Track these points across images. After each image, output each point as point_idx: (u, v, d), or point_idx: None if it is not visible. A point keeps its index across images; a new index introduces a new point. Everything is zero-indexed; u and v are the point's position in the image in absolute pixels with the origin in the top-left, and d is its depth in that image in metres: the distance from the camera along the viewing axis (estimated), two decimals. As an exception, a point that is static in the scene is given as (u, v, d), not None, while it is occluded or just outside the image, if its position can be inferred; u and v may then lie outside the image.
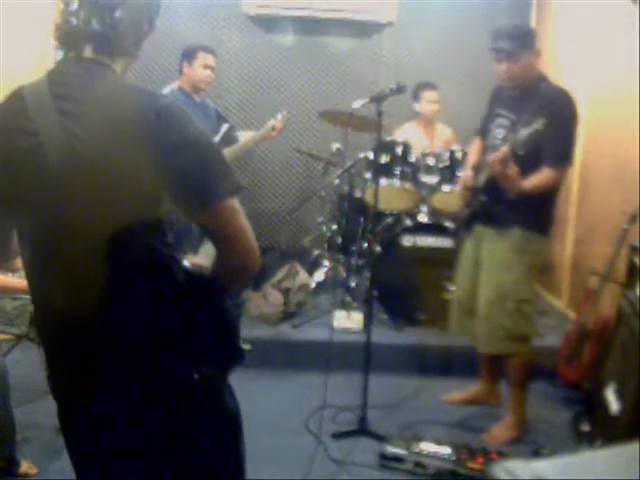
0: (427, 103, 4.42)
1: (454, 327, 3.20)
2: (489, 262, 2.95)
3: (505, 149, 2.66)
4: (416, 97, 4.43)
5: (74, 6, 1.29)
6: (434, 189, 3.98)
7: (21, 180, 1.28)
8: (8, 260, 1.49)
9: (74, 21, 1.29)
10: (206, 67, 3.87)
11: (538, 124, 2.53)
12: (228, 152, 4.05)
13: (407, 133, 4.37)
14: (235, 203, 1.29)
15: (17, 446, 2.55)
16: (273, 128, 4.15)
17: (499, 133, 2.92)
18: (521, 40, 2.75)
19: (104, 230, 1.24)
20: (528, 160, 2.68)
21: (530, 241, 2.85)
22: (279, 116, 4.19)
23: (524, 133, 2.57)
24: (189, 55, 3.86)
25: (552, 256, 4.51)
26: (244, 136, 4.26)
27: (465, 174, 3.11)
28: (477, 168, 3.06)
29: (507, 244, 2.87)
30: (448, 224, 3.92)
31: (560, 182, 2.82)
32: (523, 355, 2.96)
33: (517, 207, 2.76)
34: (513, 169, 2.67)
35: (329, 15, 5.04)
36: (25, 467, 2.55)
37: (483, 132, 3.10)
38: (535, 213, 2.81)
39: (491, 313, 2.91)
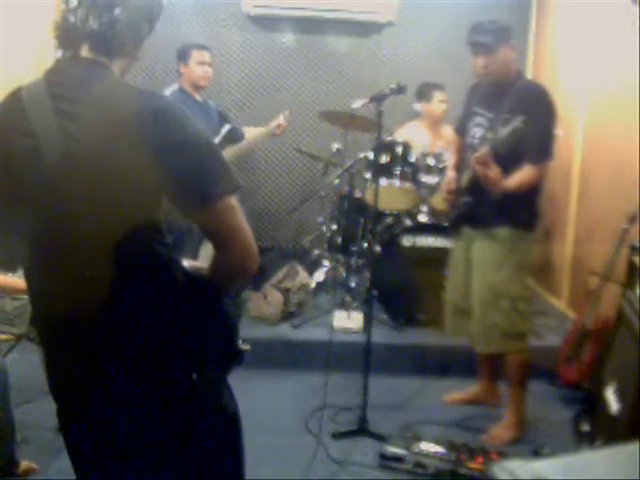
0: (438, 103, 4.42)
1: (450, 329, 3.21)
2: (480, 262, 2.95)
3: (485, 150, 2.67)
4: (426, 97, 4.43)
5: (73, 4, 1.28)
6: (434, 189, 3.97)
7: (19, 181, 1.28)
8: (14, 266, 1.48)
9: (72, 19, 1.28)
10: (202, 63, 3.87)
11: (517, 122, 2.55)
12: (233, 150, 4.07)
13: (409, 132, 4.37)
14: (233, 202, 1.29)
15: (17, 446, 2.55)
16: (278, 126, 4.18)
17: (477, 132, 2.92)
18: (496, 34, 2.77)
19: (102, 231, 1.24)
20: (509, 158, 2.69)
21: (519, 239, 2.86)
22: (281, 116, 4.21)
23: (504, 132, 2.59)
24: (183, 55, 3.88)
25: (552, 256, 4.52)
26: (250, 132, 4.27)
27: (448, 176, 3.12)
28: (459, 168, 3.07)
29: (496, 244, 2.87)
30: (448, 224, 3.91)
31: (542, 177, 2.82)
32: (521, 353, 2.96)
33: (502, 206, 2.76)
34: (494, 170, 2.68)
35: (329, 15, 5.04)
36: (25, 466, 2.55)
37: (461, 130, 3.10)
38: (521, 210, 2.83)
39: (486, 313, 2.91)
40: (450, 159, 3.25)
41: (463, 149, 3.07)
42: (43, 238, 1.29)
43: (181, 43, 4.04)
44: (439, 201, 3.93)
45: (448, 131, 4.45)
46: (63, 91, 1.26)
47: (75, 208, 1.24)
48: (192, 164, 1.25)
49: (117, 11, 1.28)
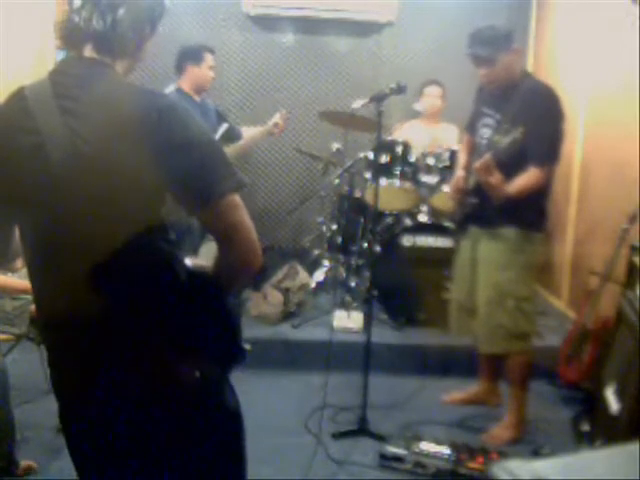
0: (428, 97, 4.41)
1: (454, 327, 3.21)
2: (486, 262, 2.95)
3: (488, 157, 2.67)
4: (420, 93, 4.43)
5: (77, 4, 1.29)
6: (434, 189, 3.97)
7: (23, 179, 1.28)
8: (10, 260, 1.49)
9: (76, 19, 1.29)
10: (211, 68, 3.89)
11: (516, 133, 2.55)
12: (231, 149, 4.07)
13: (409, 131, 4.36)
14: (237, 200, 1.29)
15: (17, 446, 2.55)
16: (276, 125, 4.17)
17: (485, 133, 2.92)
18: (496, 44, 2.74)
19: (106, 229, 1.24)
20: (514, 163, 2.68)
21: (526, 240, 2.85)
22: (278, 114, 4.21)
23: (504, 142, 2.60)
24: (195, 56, 3.85)
25: (552, 256, 4.52)
26: (248, 131, 4.28)
27: (457, 175, 3.11)
28: (468, 168, 3.07)
29: (503, 244, 2.87)
30: (448, 224, 3.91)
31: (548, 180, 2.81)
32: (523, 354, 2.96)
33: (510, 207, 2.75)
34: (497, 177, 2.67)
35: (329, 15, 5.05)
36: (25, 465, 2.55)
37: (471, 130, 3.10)
38: (529, 211, 2.81)
39: (491, 313, 2.91)
40: (459, 158, 3.24)
41: (473, 149, 3.07)
42: (46, 236, 1.29)
43: (190, 43, 4.03)
44: (439, 201, 3.94)
45: (449, 129, 4.44)
46: (67, 90, 1.27)
47: (80, 206, 1.24)
48: (196, 163, 1.26)
49: (120, 12, 1.29)
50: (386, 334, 3.80)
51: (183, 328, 1.31)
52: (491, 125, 2.89)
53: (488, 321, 2.93)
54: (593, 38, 4.07)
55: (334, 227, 4.45)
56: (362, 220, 4.33)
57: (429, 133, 4.35)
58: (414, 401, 3.39)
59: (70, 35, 1.31)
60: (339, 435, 2.97)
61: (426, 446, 2.77)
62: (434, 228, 3.96)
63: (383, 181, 3.86)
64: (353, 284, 4.22)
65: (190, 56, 3.87)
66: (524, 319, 2.91)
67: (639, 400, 2.42)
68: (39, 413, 2.87)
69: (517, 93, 2.79)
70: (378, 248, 3.96)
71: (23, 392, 2.94)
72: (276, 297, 4.02)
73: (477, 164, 2.71)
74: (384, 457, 2.76)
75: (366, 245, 4.24)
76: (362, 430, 2.99)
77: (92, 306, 1.25)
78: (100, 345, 1.29)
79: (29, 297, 2.89)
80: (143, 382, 1.30)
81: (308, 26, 5.12)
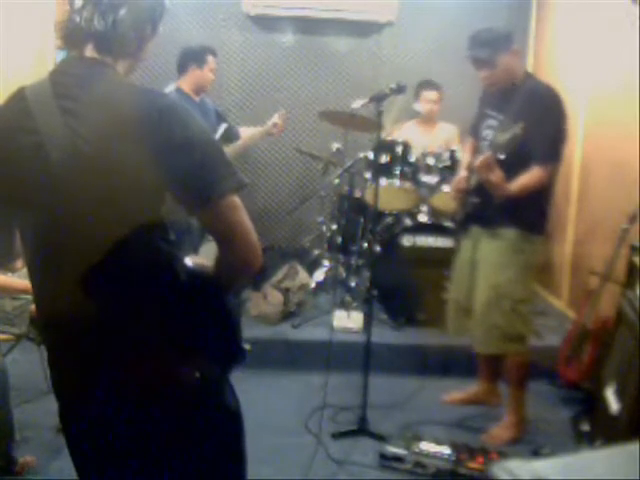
0: (425, 102, 4.41)
1: (451, 327, 3.21)
2: (485, 263, 2.95)
3: (488, 154, 2.67)
4: (417, 96, 4.43)
5: (78, 4, 1.29)
6: (434, 189, 3.97)
7: (23, 179, 1.28)
8: (12, 260, 1.49)
9: (77, 19, 1.29)
10: (212, 70, 3.90)
11: (517, 128, 2.55)
12: (230, 149, 4.07)
13: (406, 132, 4.36)
14: (236, 200, 1.29)
15: (16, 445, 2.55)
16: (274, 125, 4.17)
17: (488, 134, 2.92)
18: (496, 45, 2.74)
19: (106, 229, 1.24)
20: (516, 161, 2.68)
21: (526, 241, 2.85)
22: (276, 115, 4.21)
23: (503, 138, 2.59)
24: (198, 58, 3.85)
25: (552, 256, 4.52)
26: (246, 132, 4.28)
27: (459, 176, 3.11)
28: (471, 168, 3.07)
29: (503, 244, 2.87)
30: (448, 224, 3.91)
31: (550, 179, 2.80)
32: (520, 355, 2.96)
33: (511, 208, 2.75)
34: (498, 174, 2.67)
35: (329, 15, 5.05)
36: (22, 461, 2.55)
37: (475, 132, 3.11)
38: (529, 212, 2.81)
39: (488, 313, 2.91)
40: (463, 159, 3.24)
41: (476, 150, 3.08)
42: (46, 236, 1.29)
43: (192, 43, 4.02)
44: (439, 201, 3.94)
45: (447, 129, 4.44)
46: (68, 90, 1.27)
47: (80, 206, 1.24)
48: (196, 163, 1.26)
49: (121, 12, 1.29)
50: (386, 334, 3.80)
51: (183, 328, 1.31)
52: (494, 126, 2.89)
53: (485, 322, 2.93)
54: (593, 38, 4.07)
55: (334, 227, 4.45)
56: (362, 220, 4.33)
57: (426, 137, 4.35)
58: (414, 401, 3.39)
59: (71, 35, 1.31)
60: (339, 435, 2.97)
61: (426, 446, 2.77)
62: (434, 228, 3.96)
63: (383, 181, 3.86)
64: (353, 284, 4.22)
65: (193, 58, 3.86)
66: (520, 321, 2.90)
67: (639, 400, 2.42)
68: (39, 413, 2.87)
69: (519, 94, 2.78)
70: (378, 248, 3.96)
71: (23, 392, 2.93)
72: (276, 297, 4.02)
73: (478, 161, 2.71)
74: (384, 457, 2.76)
75: (366, 245, 4.24)
76: (362, 430, 2.99)
77: (92, 306, 1.25)
78: (100, 345, 1.29)
79: (29, 297, 2.89)
80: (143, 382, 1.30)
81: (308, 26, 5.12)
